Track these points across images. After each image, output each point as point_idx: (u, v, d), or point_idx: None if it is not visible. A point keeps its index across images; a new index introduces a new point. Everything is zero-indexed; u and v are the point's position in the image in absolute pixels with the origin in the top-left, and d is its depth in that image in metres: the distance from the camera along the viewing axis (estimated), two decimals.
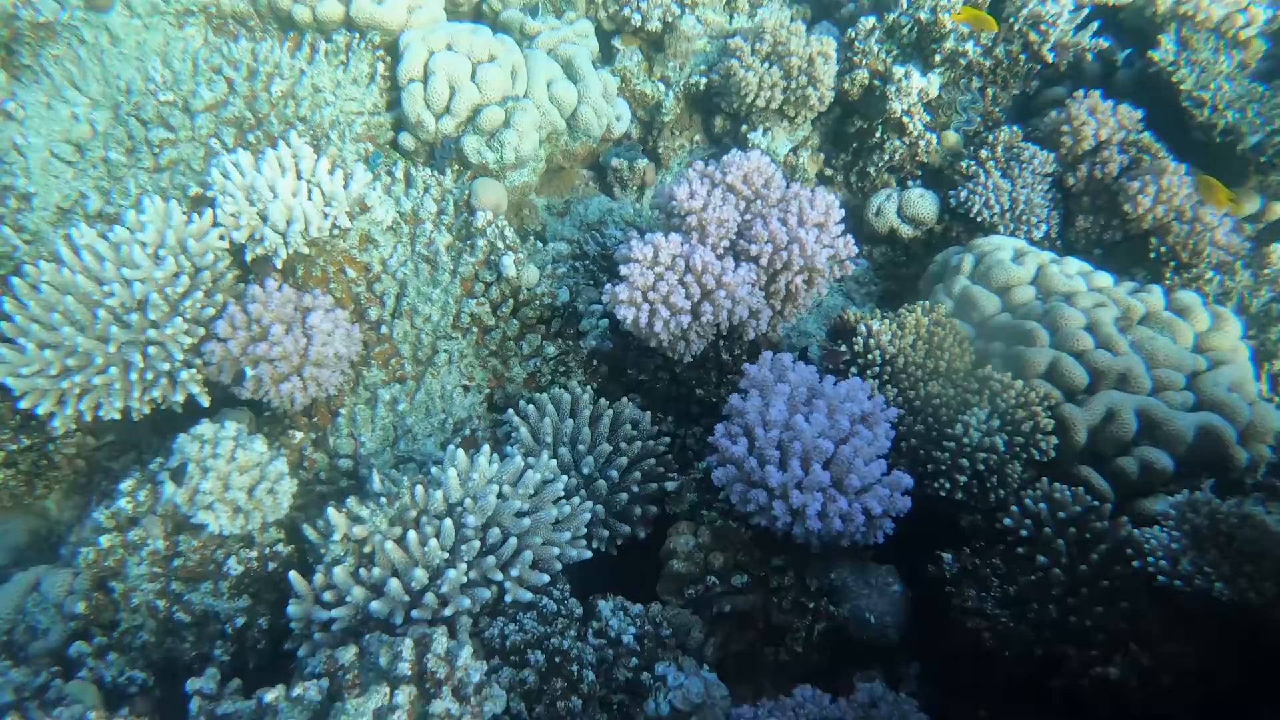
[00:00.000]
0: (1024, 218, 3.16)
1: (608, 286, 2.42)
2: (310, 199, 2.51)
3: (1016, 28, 3.40)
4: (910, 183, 3.42)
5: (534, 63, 3.10)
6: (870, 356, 2.55)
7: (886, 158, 3.39)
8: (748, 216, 2.61)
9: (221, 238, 2.41)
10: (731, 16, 3.75)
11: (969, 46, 3.30)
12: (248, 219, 2.39)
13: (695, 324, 2.45)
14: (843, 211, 2.62)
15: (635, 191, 3.46)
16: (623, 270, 2.39)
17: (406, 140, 3.02)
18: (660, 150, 3.53)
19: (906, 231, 3.34)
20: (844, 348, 2.59)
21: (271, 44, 2.95)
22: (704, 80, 3.44)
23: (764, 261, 2.51)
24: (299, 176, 2.53)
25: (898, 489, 2.17)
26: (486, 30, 3.07)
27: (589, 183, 3.47)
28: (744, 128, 3.40)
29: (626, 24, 3.43)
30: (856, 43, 3.43)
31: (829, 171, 3.55)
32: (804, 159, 3.45)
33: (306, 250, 2.52)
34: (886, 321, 2.63)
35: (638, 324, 2.38)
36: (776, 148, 3.35)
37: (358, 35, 3.02)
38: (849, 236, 2.62)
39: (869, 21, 3.42)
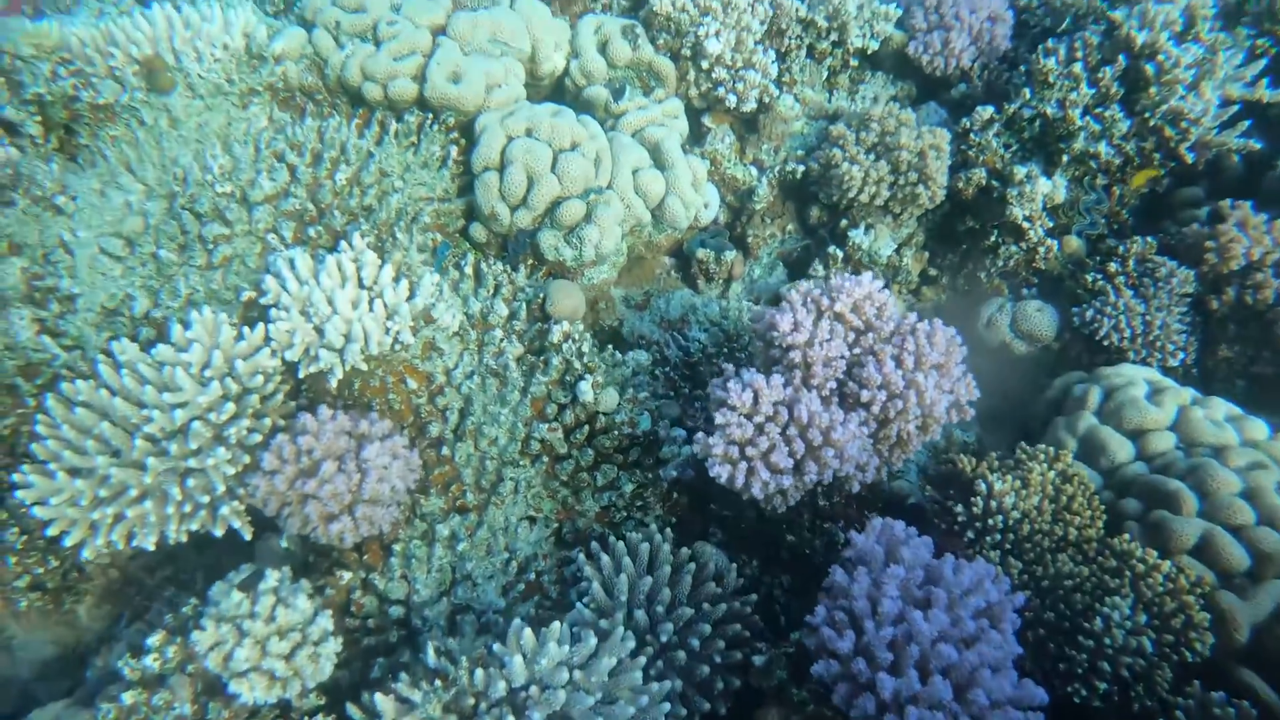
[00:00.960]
0: (1158, 344, 2.80)
1: (699, 436, 2.13)
2: (371, 310, 2.27)
3: (1151, 123, 3.05)
4: (1025, 291, 3.08)
5: (619, 149, 2.84)
6: (990, 522, 2.23)
7: (1000, 263, 3.05)
8: (857, 350, 2.30)
9: (274, 354, 2.17)
10: (831, 94, 3.45)
11: (1101, 147, 2.95)
12: (302, 336, 2.16)
13: (797, 480, 2.15)
14: (964, 349, 2.30)
15: (721, 284, 3.17)
16: (718, 419, 2.10)
17: (478, 231, 2.77)
18: (749, 239, 3.24)
19: (1020, 348, 3.00)
20: (959, 508, 2.27)
21: (339, 121, 2.73)
22: (800, 169, 3.14)
23: (875, 409, 2.20)
24: (360, 284, 2.29)
25: (1031, 704, 1.84)
26: (569, 113, 2.81)
27: (671, 272, 3.20)
28: (844, 223, 3.10)
29: (719, 103, 3.16)
30: (972, 134, 3.11)
31: (933, 271, 3.23)
32: (907, 257, 3.13)
33: (365, 366, 2.28)
34: (1009, 478, 2.30)
35: (733, 482, 2.09)
36: (879, 249, 3.03)
37: (430, 116, 2.79)
38: (970, 379, 2.30)
39: (986, 112, 3.09)
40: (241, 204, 2.43)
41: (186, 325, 2.14)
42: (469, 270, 2.69)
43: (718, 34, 3.00)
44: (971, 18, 3.41)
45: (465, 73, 2.75)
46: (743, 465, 2.08)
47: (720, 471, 2.09)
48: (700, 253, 3.11)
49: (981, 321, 3.05)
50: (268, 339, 2.18)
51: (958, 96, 3.49)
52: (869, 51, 3.41)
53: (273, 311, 2.19)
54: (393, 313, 2.28)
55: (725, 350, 2.89)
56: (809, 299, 2.33)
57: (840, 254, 3.02)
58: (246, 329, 2.18)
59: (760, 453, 2.08)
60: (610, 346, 2.68)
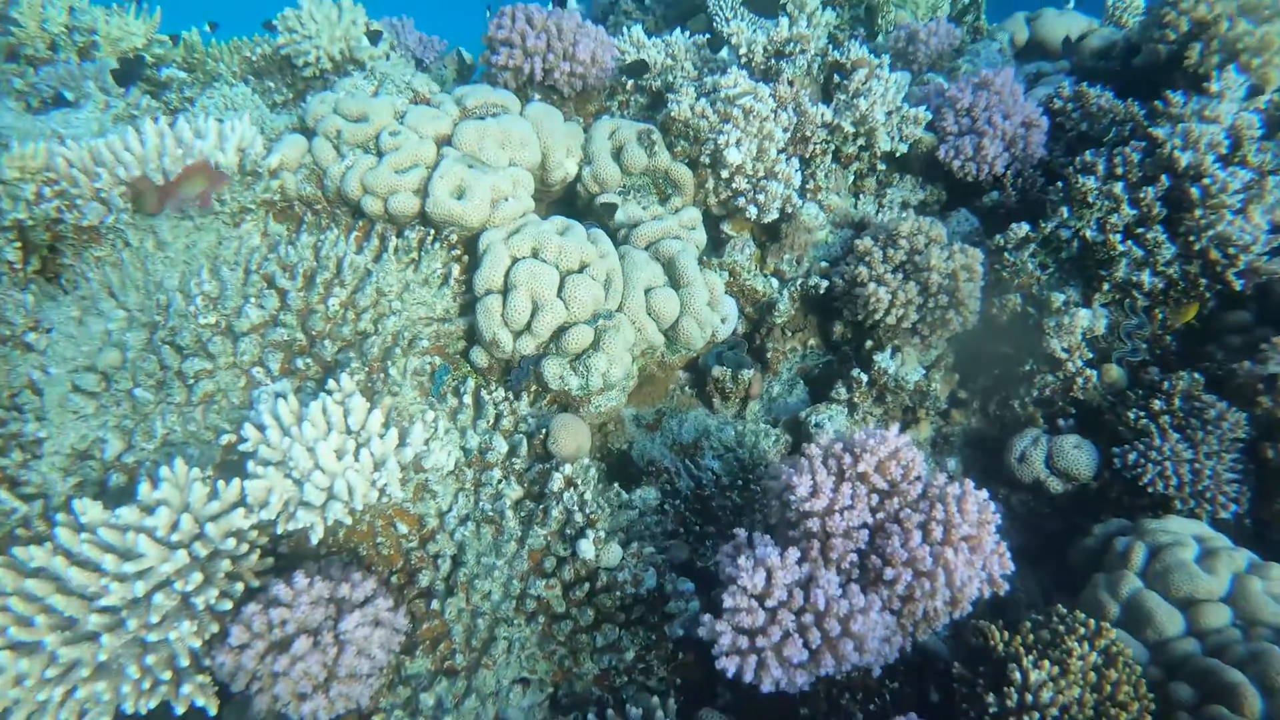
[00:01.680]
0: (1208, 494, 2.58)
1: (706, 619, 1.94)
2: (358, 461, 2.10)
3: (1197, 247, 2.86)
4: (1062, 423, 2.87)
5: (631, 268, 2.68)
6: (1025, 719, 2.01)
7: (1035, 392, 2.85)
8: (880, 515, 2.11)
9: (249, 513, 2.01)
10: (857, 199, 3.29)
11: (1145, 276, 2.77)
12: (280, 494, 1.99)
13: (812, 669, 1.95)
14: (998, 515, 2.11)
15: (737, 403, 2.99)
16: (726, 601, 1.91)
17: (479, 355, 2.61)
18: (769, 353, 3.06)
19: (1056, 486, 2.79)
20: (991, 698, 2.06)
21: (337, 235, 2.59)
22: (824, 283, 2.97)
23: (899, 588, 2.00)
24: (347, 430, 2.13)
25: None
26: (578, 230, 2.66)
27: (685, 388, 3.02)
28: (869, 343, 2.92)
29: (739, 212, 3.00)
30: (1006, 253, 2.93)
31: (963, 394, 3.03)
32: (936, 380, 2.94)
33: (349, 520, 2.11)
34: (1045, 664, 2.09)
35: (742, 676, 1.90)
36: (906, 374, 2.85)
37: (432, 232, 2.64)
38: (1005, 551, 2.10)
39: (1021, 230, 2.92)
40: (226, 335, 2.29)
41: (155, 482, 1.98)
42: (468, 398, 2.53)
43: (738, 143, 2.85)
44: (1005, 124, 3.25)
45: (470, 187, 2.60)
46: (752, 659, 1.88)
47: (728, 665, 1.89)
48: (716, 370, 2.94)
49: (1014, 454, 2.85)
50: (243, 496, 2.02)
51: (989, 204, 3.32)
52: (897, 154, 3.25)
53: (250, 464, 2.03)
54: (380, 464, 2.11)
55: (740, 482, 2.71)
56: (829, 457, 2.15)
57: (865, 378, 2.84)
58: (222, 484, 2.01)
59: (772, 644, 1.88)
60: (616, 486, 2.50)
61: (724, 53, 3.24)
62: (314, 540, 2.06)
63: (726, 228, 3.08)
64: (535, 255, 2.56)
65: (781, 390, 3.04)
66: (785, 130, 2.97)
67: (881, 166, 3.26)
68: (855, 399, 2.86)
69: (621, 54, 3.40)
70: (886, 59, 3.23)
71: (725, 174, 2.90)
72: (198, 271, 2.37)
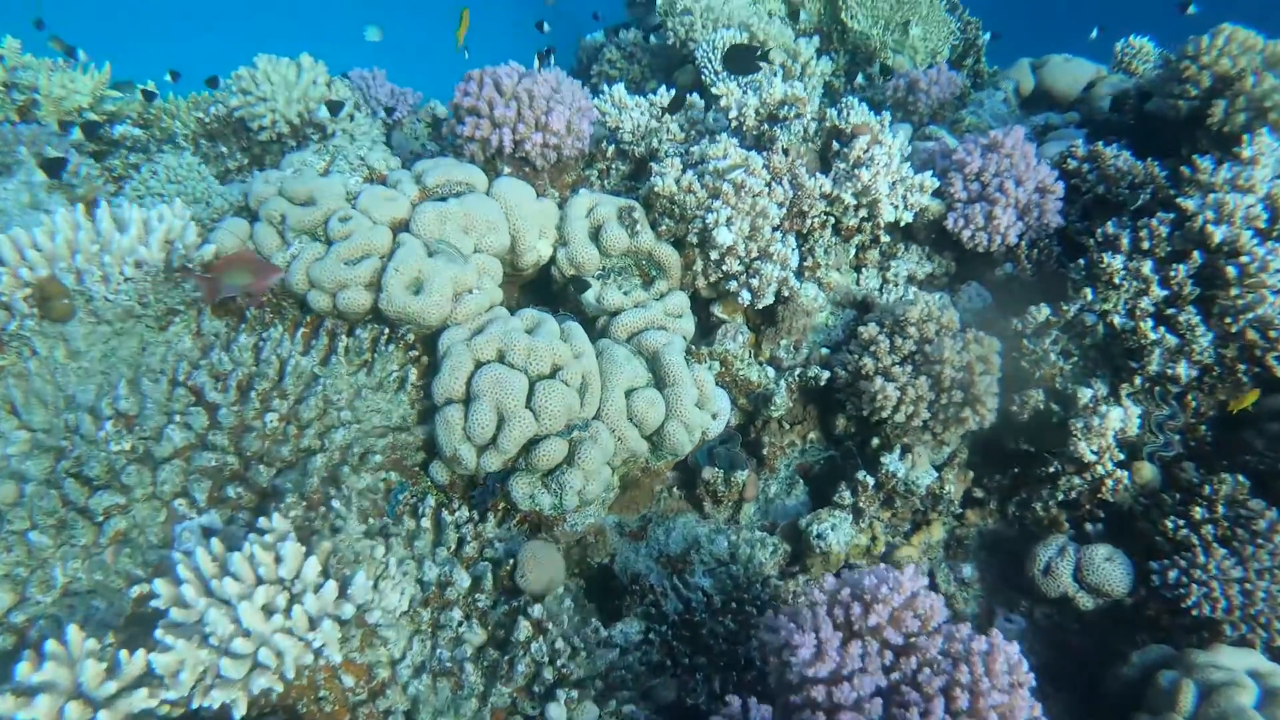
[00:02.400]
0: (1262, 619, 2.29)
1: None
2: (290, 616, 1.80)
3: (1234, 328, 2.58)
4: (1090, 528, 2.59)
5: (610, 367, 2.40)
6: None
7: (1060, 495, 2.57)
8: (895, 676, 1.81)
9: (155, 691, 1.70)
10: (859, 274, 3.01)
11: (1180, 368, 2.49)
12: (193, 666, 1.69)
13: None
14: (1031, 675, 1.81)
15: (731, 507, 2.70)
16: None
17: (439, 471, 2.32)
18: (765, 448, 2.78)
19: (1086, 602, 2.50)
20: None
21: (281, 333, 2.30)
22: (825, 374, 2.69)
23: None
24: (279, 580, 1.83)
25: None
26: (551, 327, 2.38)
27: (673, 489, 2.74)
28: (876, 441, 2.63)
29: (732, 296, 2.72)
30: (1025, 340, 2.65)
31: (979, 493, 2.75)
32: (949, 478, 2.65)
33: (280, 687, 1.80)
34: None
35: None
36: (917, 477, 2.56)
37: (387, 331, 2.35)
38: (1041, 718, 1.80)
39: (1041, 313, 2.64)
40: (144, 463, 1.99)
41: (41, 655, 1.67)
42: (427, 519, 2.23)
43: (729, 222, 2.58)
44: (1018, 191, 2.99)
45: (429, 280, 2.32)
46: None
47: None
48: (707, 473, 2.65)
49: (1038, 565, 2.56)
50: (150, 668, 1.71)
51: (1003, 278, 3.05)
52: (902, 223, 2.98)
53: (160, 629, 1.73)
54: (317, 621, 1.81)
55: (734, 603, 2.42)
56: (835, 605, 1.85)
57: (872, 481, 2.55)
58: (124, 654, 1.71)
59: None
60: (595, 623, 2.20)
61: (711, 117, 2.97)
62: (237, 717, 1.75)
63: (717, 310, 2.80)
64: (502, 358, 2.27)
65: (779, 490, 2.76)
66: (780, 205, 2.70)
67: (885, 238, 2.99)
68: (860, 503, 2.57)
69: (602, 115, 3.14)
70: (888, 114, 2.97)
71: (715, 255, 2.63)
72: (115, 385, 2.07)
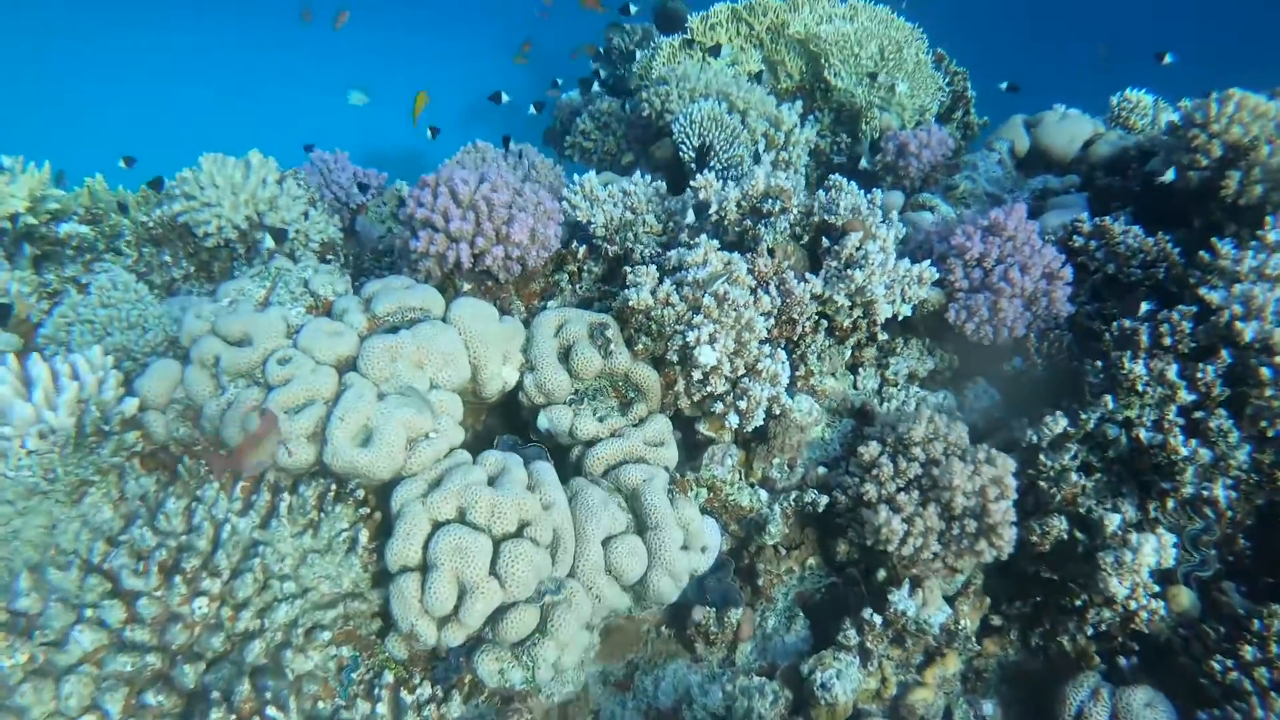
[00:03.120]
0: None
1: None
2: None
3: (1270, 433, 2.35)
4: (1124, 663, 2.33)
5: (586, 513, 2.15)
6: None
7: (1089, 628, 2.31)
8: None
9: None
10: (856, 376, 2.78)
11: (1217, 490, 2.25)
12: None
13: None
14: None
15: (725, 648, 2.44)
16: None
17: (396, 645, 2.05)
18: (760, 576, 2.53)
19: None
20: None
21: (217, 492, 2.05)
22: (824, 500, 2.44)
23: None
24: None
25: None
26: (517, 475, 2.13)
27: (661, 629, 2.48)
28: (882, 574, 2.38)
29: (718, 417, 2.47)
30: (1042, 455, 2.41)
31: (998, 620, 2.50)
32: (964, 612, 2.40)
33: None
34: None
35: None
36: (929, 617, 2.30)
37: (335, 487, 2.10)
38: None
39: (1058, 425, 2.40)
40: (42, 677, 1.72)
41: None
42: (385, 703, 1.97)
43: (712, 339, 2.34)
44: (1024, 280, 2.76)
45: (378, 428, 2.07)
46: None
47: None
48: (698, 613, 2.39)
49: (1069, 711, 2.30)
50: None
51: (1011, 373, 2.82)
52: (900, 317, 2.75)
53: None
54: None
55: None
56: None
57: (879, 620, 2.30)
58: None
59: None
60: None
61: (691, 216, 2.74)
62: None
63: (702, 428, 2.56)
64: (462, 517, 2.02)
65: (778, 624, 2.50)
66: (768, 316, 2.47)
67: (883, 336, 2.75)
68: (868, 643, 2.31)
69: (572, 208, 2.91)
70: (879, 195, 2.74)
71: (698, 375, 2.38)
72: (16, 577, 1.81)
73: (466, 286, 2.51)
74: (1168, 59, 4.44)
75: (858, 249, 2.56)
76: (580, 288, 2.75)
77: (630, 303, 2.42)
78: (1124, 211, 3.42)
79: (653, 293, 2.44)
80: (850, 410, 2.70)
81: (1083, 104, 4.42)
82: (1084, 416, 2.42)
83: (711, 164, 3.49)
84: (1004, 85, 4.46)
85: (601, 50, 5.78)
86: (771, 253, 2.56)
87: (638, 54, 5.55)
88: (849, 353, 2.77)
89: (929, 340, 2.93)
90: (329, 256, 3.24)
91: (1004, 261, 2.83)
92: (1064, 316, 2.80)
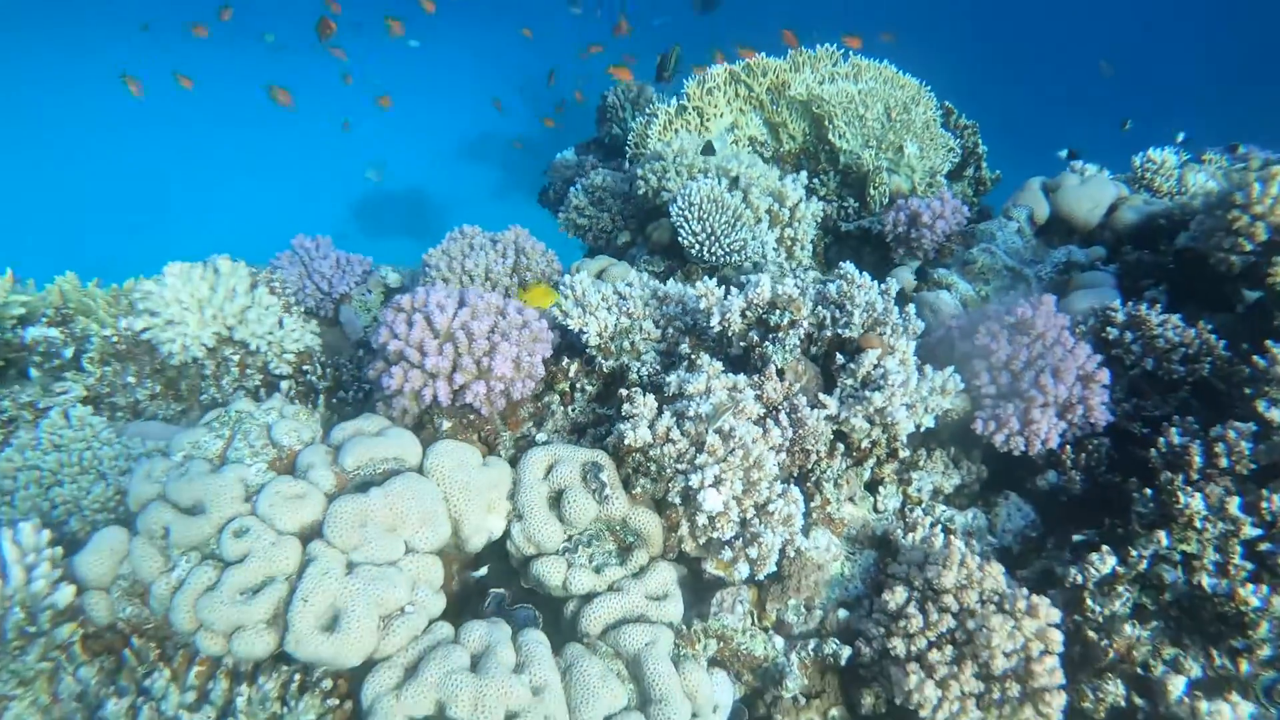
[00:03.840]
0: None
1: None
2: None
3: None
4: None
5: (583, 694, 1.91)
6: None
7: None
8: None
9: None
10: (876, 496, 2.53)
11: None
12: None
13: None
14: None
15: None
16: None
17: None
18: None
19: None
20: None
21: (166, 684, 1.81)
22: (845, 652, 2.19)
23: None
24: None
25: None
26: (503, 655, 1.89)
27: None
28: None
29: (726, 563, 2.23)
30: (1089, 600, 2.16)
31: None
32: None
33: None
34: None
35: None
36: None
37: (299, 677, 1.86)
38: None
39: (1105, 563, 2.16)
40: None
41: None
42: None
43: (718, 482, 2.10)
44: (1057, 388, 2.52)
45: (346, 610, 1.84)
46: None
47: None
48: None
49: None
50: None
51: (1046, 488, 2.57)
52: (922, 429, 2.51)
53: None
54: None
55: None
56: None
57: None
58: None
59: None
60: None
61: (690, 305, 2.52)
62: None
63: (709, 567, 2.32)
64: (442, 713, 1.77)
65: None
66: (778, 450, 2.23)
67: (905, 453, 2.51)
68: None
69: (563, 314, 2.68)
70: (897, 319, 2.51)
71: (703, 520, 2.14)
72: None
73: (446, 424, 2.29)
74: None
75: (876, 367, 2.33)
76: (573, 410, 2.52)
77: (627, 441, 2.19)
78: (1156, 289, 3.19)
79: (651, 427, 2.20)
80: (871, 539, 2.46)
81: (1097, 145, 4.21)
82: (1134, 554, 2.17)
83: (715, 251, 3.26)
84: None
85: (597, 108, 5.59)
86: (781, 374, 2.32)
87: (630, 112, 5.37)
88: (868, 473, 2.52)
89: (954, 449, 2.68)
90: (305, 367, 3.02)
91: (1034, 365, 2.59)
92: (1102, 425, 2.55)
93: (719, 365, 2.31)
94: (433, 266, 3.45)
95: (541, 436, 2.43)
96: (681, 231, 3.34)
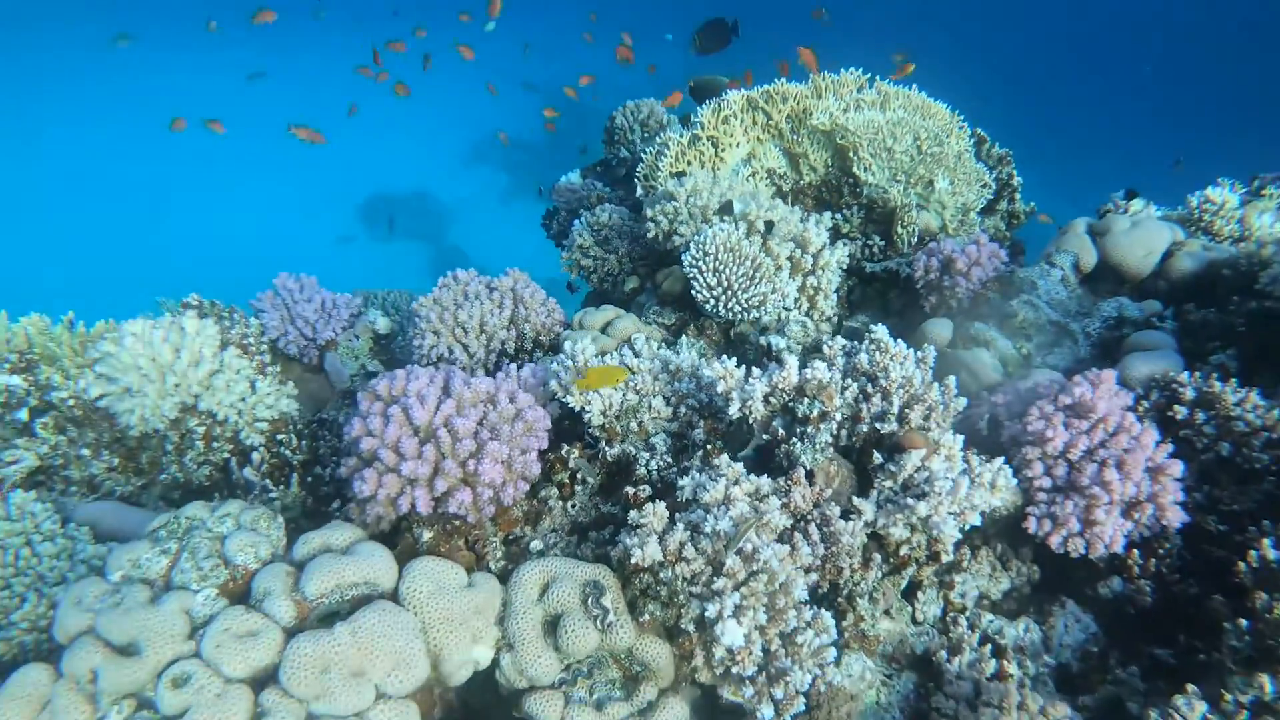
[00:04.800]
0: None
1: None
2: None
3: None
4: None
5: None
6: None
7: None
8: None
9: None
10: (914, 602, 2.23)
11: None
12: None
13: None
14: None
15: None
16: None
17: None
18: None
19: None
20: None
21: None
22: None
23: None
24: None
25: None
26: None
27: None
28: None
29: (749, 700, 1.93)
30: None
31: None
32: None
33: None
34: None
35: None
36: None
37: None
38: None
39: (1194, 709, 1.84)
40: None
41: None
42: None
43: (738, 612, 1.80)
44: (1123, 484, 2.20)
45: None
46: None
47: None
48: None
49: None
50: None
51: (1109, 596, 2.27)
52: (967, 528, 2.20)
53: None
54: None
55: None
56: None
57: None
58: None
59: None
60: None
61: (705, 378, 2.21)
62: None
63: (727, 694, 2.01)
64: None
65: None
66: (807, 571, 1.93)
67: (948, 556, 2.21)
68: None
69: (562, 390, 2.39)
70: (931, 353, 2.21)
71: (720, 653, 1.84)
72: None
73: (427, 535, 1.99)
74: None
75: (919, 470, 2.02)
76: (573, 506, 2.22)
77: (634, 558, 1.89)
78: (1224, 353, 2.87)
79: (661, 542, 1.90)
80: (910, 658, 2.16)
81: (1138, 171, 3.88)
82: (1229, 700, 1.86)
83: (732, 307, 2.96)
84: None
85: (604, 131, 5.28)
86: (811, 477, 2.02)
87: (638, 133, 5.06)
88: (906, 582, 2.22)
89: (1001, 546, 2.38)
90: (280, 435, 2.73)
91: (1095, 456, 2.28)
92: (1176, 525, 2.24)
93: (739, 469, 2.01)
94: (423, 318, 3.16)
95: (536, 544, 2.13)
96: (695, 284, 3.04)
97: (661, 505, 1.98)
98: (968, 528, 2.22)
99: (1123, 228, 3.44)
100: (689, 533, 1.93)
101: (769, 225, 3.09)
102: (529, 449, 2.04)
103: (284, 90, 15.11)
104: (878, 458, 2.11)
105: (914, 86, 4.09)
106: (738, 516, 1.90)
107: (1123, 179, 4.07)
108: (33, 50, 15.63)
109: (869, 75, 4.03)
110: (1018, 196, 4.40)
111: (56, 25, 15.97)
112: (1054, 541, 2.26)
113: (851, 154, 3.85)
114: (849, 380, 2.47)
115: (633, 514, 1.99)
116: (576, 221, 3.91)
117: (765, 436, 2.19)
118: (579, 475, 2.28)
